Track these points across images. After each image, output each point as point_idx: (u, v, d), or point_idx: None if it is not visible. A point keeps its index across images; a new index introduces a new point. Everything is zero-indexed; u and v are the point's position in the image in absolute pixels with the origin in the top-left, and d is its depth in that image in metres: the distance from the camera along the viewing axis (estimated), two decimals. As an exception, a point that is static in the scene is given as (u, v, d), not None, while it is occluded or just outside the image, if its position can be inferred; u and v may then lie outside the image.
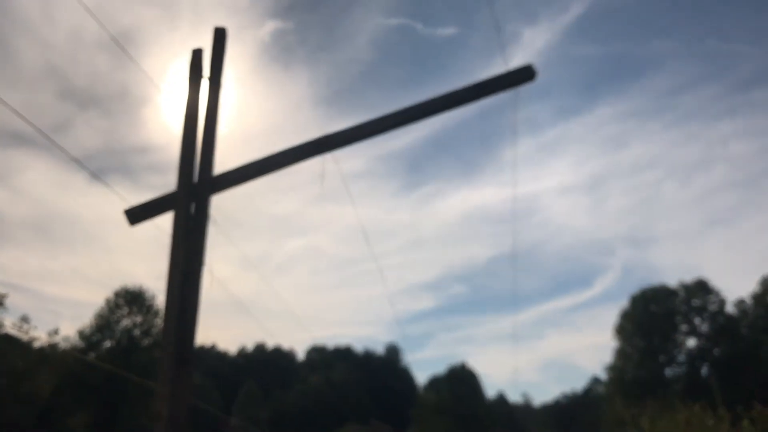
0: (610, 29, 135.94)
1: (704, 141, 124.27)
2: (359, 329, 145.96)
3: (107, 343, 51.89)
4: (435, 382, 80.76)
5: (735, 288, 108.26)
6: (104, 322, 52.29)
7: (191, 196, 6.39)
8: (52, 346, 44.17)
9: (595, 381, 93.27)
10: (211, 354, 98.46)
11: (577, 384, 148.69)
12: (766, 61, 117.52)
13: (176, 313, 5.88)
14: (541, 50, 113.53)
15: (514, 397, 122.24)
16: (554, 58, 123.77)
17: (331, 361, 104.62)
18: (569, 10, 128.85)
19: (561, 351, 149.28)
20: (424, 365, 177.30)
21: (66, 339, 49.04)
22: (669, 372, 56.49)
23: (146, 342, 52.24)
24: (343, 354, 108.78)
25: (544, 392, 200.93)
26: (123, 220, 6.79)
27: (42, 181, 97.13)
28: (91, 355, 49.00)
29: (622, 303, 61.58)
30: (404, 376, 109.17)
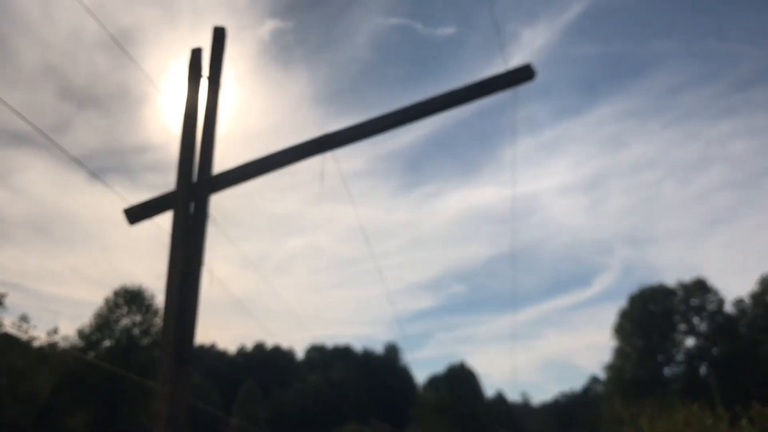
0: (610, 29, 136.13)
1: (704, 140, 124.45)
2: (358, 328, 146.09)
3: (106, 343, 51.90)
4: (434, 382, 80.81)
5: (734, 287, 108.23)
6: (103, 322, 52.30)
7: (190, 196, 6.40)
8: (52, 346, 44.19)
9: (594, 380, 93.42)
10: (211, 353, 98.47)
11: (575, 383, 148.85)
12: (766, 61, 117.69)
13: (175, 312, 5.89)
14: (541, 50, 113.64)
15: (513, 396, 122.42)
16: (553, 58, 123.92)
17: (330, 360, 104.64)
18: (568, 9, 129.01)
19: (560, 350, 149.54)
20: (423, 364, 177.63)
21: (65, 338, 49.15)
22: (668, 371, 56.55)
23: (145, 341, 52.24)
24: (343, 353, 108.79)
25: (543, 391, 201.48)
26: (122, 219, 6.80)
27: (41, 180, 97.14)
28: (91, 355, 48.99)
29: (621, 302, 61.67)
30: (403, 375, 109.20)
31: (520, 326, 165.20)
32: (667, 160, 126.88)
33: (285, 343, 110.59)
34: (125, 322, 52.74)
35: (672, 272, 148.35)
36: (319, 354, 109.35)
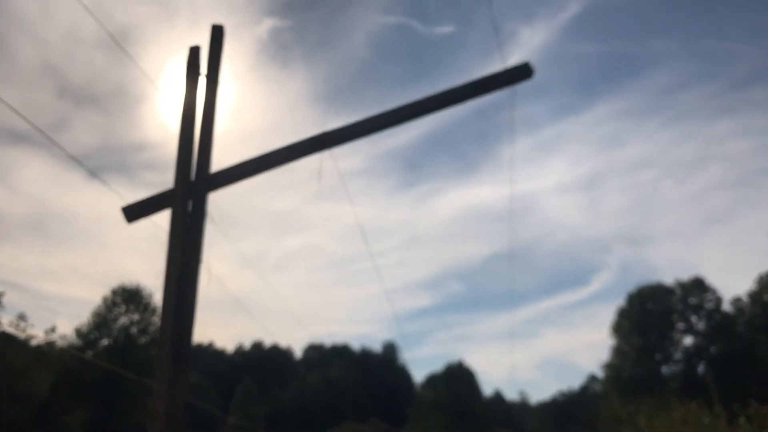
0: (608, 28, 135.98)
1: (701, 139, 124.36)
2: (357, 327, 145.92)
3: (104, 341, 51.88)
4: (432, 380, 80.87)
5: (732, 286, 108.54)
6: (101, 320, 52.27)
7: (188, 194, 6.39)
8: (50, 344, 44.20)
9: (592, 379, 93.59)
10: (209, 352, 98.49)
11: (574, 382, 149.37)
12: (763, 60, 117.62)
13: (173, 311, 5.88)
14: (539, 48, 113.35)
15: (511, 394, 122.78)
16: (551, 57, 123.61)
17: (328, 359, 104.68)
18: (566, 8, 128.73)
19: (558, 349, 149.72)
20: (421, 363, 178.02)
21: (63, 337, 49.16)
22: (666, 370, 56.67)
23: (143, 340, 52.24)
24: (341, 352, 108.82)
25: (541, 390, 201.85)
26: (120, 217, 6.78)
27: (39, 178, 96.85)
28: (89, 353, 48.96)
29: (619, 301, 61.86)
30: (401, 374, 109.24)
31: (519, 325, 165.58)
32: (665, 159, 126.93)
33: (283, 342, 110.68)
34: (123, 320, 52.73)
35: (670, 271, 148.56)
36: (317, 353, 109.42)
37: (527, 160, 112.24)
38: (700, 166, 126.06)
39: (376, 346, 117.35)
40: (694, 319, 57.22)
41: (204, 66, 6.87)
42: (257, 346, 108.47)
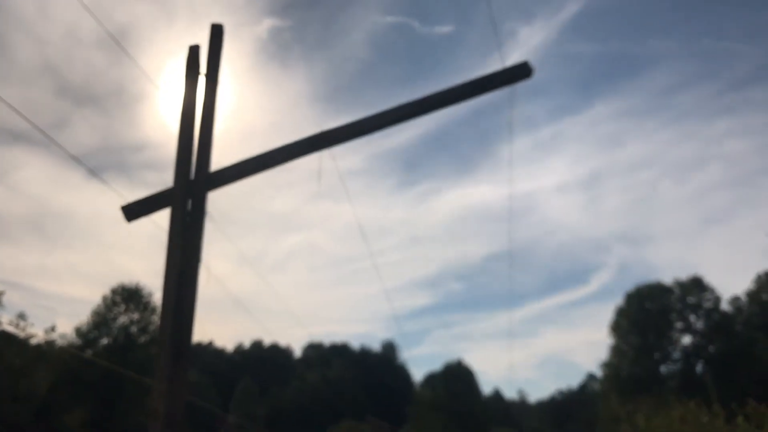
0: (607, 27, 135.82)
1: (700, 139, 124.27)
2: (356, 326, 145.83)
3: (104, 340, 51.87)
4: (431, 379, 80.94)
5: (730, 285, 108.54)
6: (101, 320, 52.26)
7: (188, 193, 6.40)
8: (49, 344, 44.17)
9: (591, 378, 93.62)
10: (208, 351, 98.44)
11: (572, 381, 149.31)
12: (763, 60, 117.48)
13: (173, 310, 5.90)
14: (538, 48, 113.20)
15: (510, 393, 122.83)
16: (550, 56, 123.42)
17: (327, 358, 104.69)
18: (565, 8, 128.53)
19: (557, 348, 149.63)
20: (420, 362, 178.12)
21: (63, 336, 49.15)
22: (664, 369, 56.74)
23: (143, 339, 52.23)
24: (340, 351, 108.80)
25: (539, 389, 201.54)
26: (120, 216, 6.79)
27: (39, 178, 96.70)
28: (88, 353, 48.96)
29: (618, 300, 61.78)
30: (400, 373, 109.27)
31: (518, 324, 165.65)
32: (664, 158, 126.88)
33: (282, 341, 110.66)
34: (123, 319, 52.73)
35: (669, 270, 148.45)
36: (316, 352, 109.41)
37: (526, 159, 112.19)
38: (700, 166, 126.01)
39: (376, 345, 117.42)
40: (692, 318, 57.28)
41: (203, 65, 6.88)
42: (257, 345, 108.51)
